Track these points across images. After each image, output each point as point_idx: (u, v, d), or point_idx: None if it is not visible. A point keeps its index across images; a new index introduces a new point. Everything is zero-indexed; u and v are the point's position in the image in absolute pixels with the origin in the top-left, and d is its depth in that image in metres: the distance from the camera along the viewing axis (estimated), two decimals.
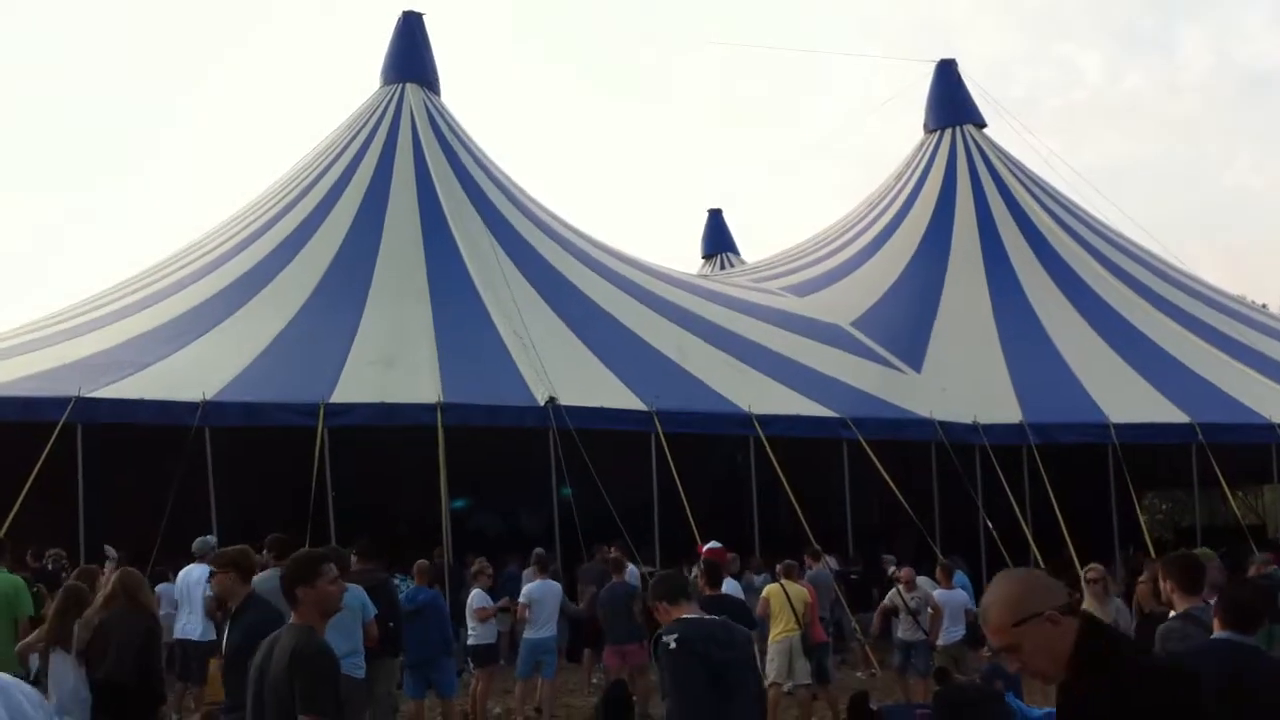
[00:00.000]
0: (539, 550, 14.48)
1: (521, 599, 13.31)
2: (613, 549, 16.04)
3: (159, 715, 7.96)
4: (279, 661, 4.97)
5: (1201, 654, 5.28)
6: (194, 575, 11.94)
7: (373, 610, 9.20)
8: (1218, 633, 5.18)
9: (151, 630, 8.23)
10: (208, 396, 16.03)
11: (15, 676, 8.97)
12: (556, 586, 13.60)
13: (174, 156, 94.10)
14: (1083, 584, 9.40)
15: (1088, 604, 9.22)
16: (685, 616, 5.66)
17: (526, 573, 14.53)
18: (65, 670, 8.36)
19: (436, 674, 11.84)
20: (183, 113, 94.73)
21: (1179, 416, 19.84)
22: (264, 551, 11.18)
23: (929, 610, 14.36)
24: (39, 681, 8.99)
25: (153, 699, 8.03)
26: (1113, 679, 3.05)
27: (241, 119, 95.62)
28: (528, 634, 13.15)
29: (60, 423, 14.98)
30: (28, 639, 9.08)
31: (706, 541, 14.36)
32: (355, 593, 8.86)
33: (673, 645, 5.48)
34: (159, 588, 14.11)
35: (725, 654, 5.50)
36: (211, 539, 13.07)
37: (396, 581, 12.96)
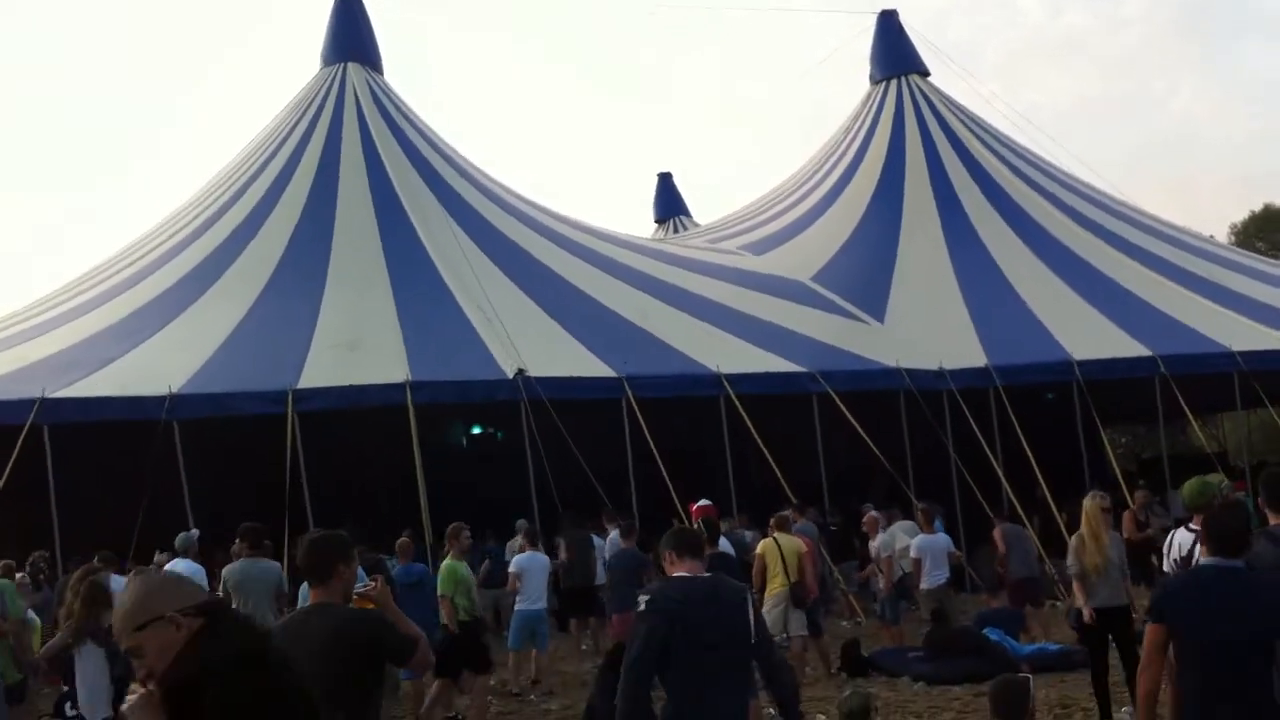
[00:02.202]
0: (523, 522, 14.46)
1: (511, 570, 13.32)
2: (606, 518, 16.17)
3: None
4: (328, 639, 4.81)
5: (1190, 579, 5.37)
6: (178, 570, 11.83)
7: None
8: (1205, 559, 5.26)
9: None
10: (174, 390, 15.88)
11: (13, 683, 8.94)
12: (545, 558, 13.60)
13: (173, 156, 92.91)
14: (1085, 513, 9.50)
15: (1094, 533, 9.34)
16: (675, 575, 5.49)
17: (511, 544, 14.50)
18: (96, 663, 8.49)
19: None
20: (181, 112, 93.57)
21: (1141, 350, 20.06)
22: (237, 540, 11.15)
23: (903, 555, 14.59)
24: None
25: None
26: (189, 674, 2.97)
27: (241, 117, 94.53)
28: (519, 606, 13.16)
29: (27, 425, 14.79)
30: (55, 639, 9.00)
31: (691, 501, 14.44)
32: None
33: (643, 606, 5.31)
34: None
35: (704, 610, 5.27)
36: (195, 533, 12.99)
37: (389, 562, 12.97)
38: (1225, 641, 4.93)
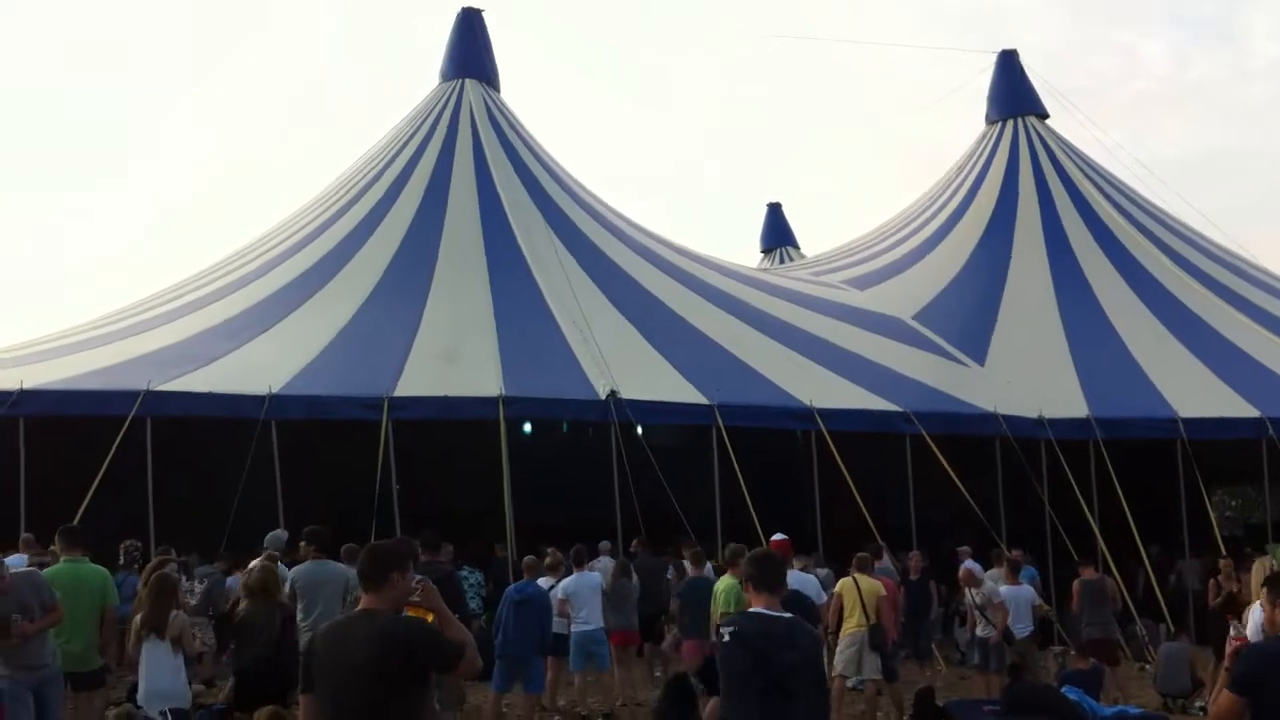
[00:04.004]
0: (579, 546, 14.47)
1: (559, 594, 13.28)
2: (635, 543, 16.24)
3: (291, 697, 8.37)
4: (371, 646, 4.88)
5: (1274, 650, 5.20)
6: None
7: None
8: None
9: (288, 620, 9.01)
10: (273, 390, 16.21)
11: (95, 669, 9.26)
12: (595, 577, 13.63)
13: (186, 143, 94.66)
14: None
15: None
16: (754, 610, 5.47)
17: (594, 565, 14.52)
18: (161, 657, 8.70)
19: (526, 669, 11.87)
20: (201, 95, 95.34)
21: (1248, 410, 19.51)
22: (303, 544, 11.31)
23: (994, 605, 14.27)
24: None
25: (288, 682, 8.43)
26: None
27: (260, 103, 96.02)
28: (574, 628, 13.17)
29: (130, 416, 15.20)
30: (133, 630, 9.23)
31: (769, 535, 14.33)
32: None
33: (726, 638, 5.30)
34: (228, 581, 14.40)
35: (785, 655, 5.24)
36: (284, 533, 13.23)
37: (464, 574, 13.09)
38: None
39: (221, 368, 17.25)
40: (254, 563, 11.71)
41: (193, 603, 14.16)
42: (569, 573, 13.72)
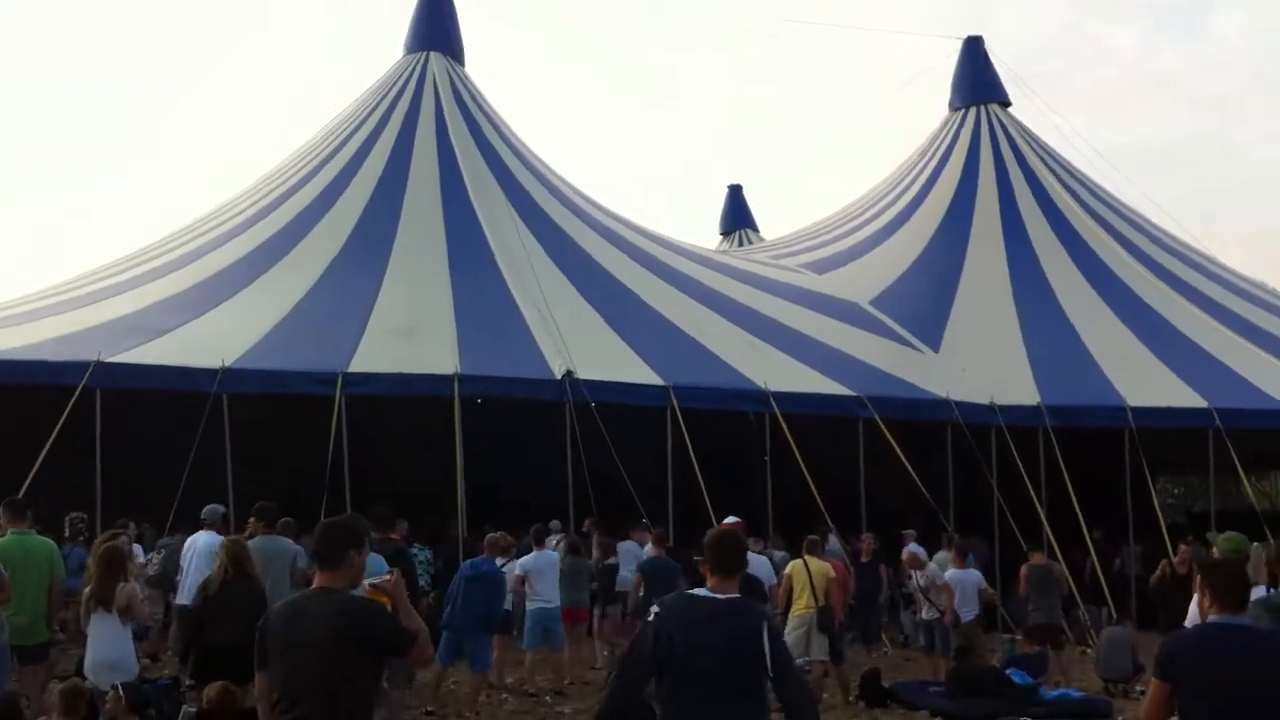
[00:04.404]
0: (537, 525, 14.55)
1: (517, 571, 13.41)
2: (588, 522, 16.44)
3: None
4: (325, 625, 4.90)
5: (1198, 637, 5.32)
6: (200, 542, 12.01)
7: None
8: (1213, 616, 5.23)
9: (260, 595, 8.94)
10: (227, 363, 16.11)
11: (41, 642, 9.25)
12: (553, 555, 13.74)
13: (185, 143, 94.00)
14: None
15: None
16: (695, 591, 5.40)
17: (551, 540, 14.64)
18: (108, 630, 8.68)
19: (472, 646, 11.91)
20: (201, 96, 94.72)
21: (1196, 401, 19.77)
22: (251, 519, 11.29)
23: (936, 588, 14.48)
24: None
25: (237, 654, 8.40)
26: None
27: (259, 103, 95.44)
28: (530, 605, 13.27)
29: (80, 386, 15.09)
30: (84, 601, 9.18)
31: (721, 517, 14.43)
32: (375, 561, 8.97)
33: (651, 616, 5.24)
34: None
35: (696, 636, 5.12)
36: (220, 507, 13.18)
37: (414, 551, 13.12)
38: (1234, 700, 4.94)
39: (174, 340, 17.13)
40: (197, 535, 11.68)
41: (151, 573, 14.13)
42: (521, 553, 13.81)
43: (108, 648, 8.80)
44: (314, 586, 5.17)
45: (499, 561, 12.92)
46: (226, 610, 8.88)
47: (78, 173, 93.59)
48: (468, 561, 12.51)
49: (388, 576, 5.26)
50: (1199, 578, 5.61)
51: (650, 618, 5.23)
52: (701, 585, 5.47)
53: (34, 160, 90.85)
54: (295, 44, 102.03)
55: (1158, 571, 15.60)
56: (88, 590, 9.03)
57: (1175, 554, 16.49)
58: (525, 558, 13.49)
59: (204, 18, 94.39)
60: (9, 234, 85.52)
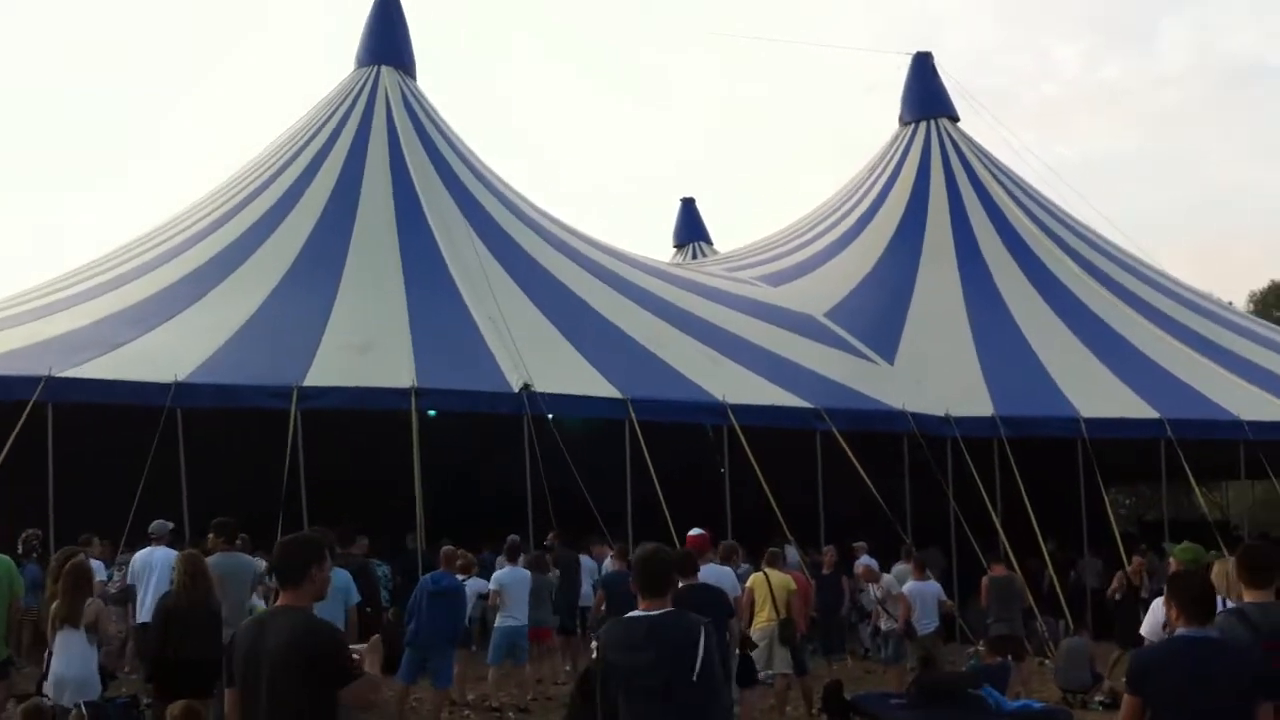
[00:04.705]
0: (512, 538, 14.49)
1: (492, 586, 13.36)
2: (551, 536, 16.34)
3: (219, 687, 8.56)
4: (280, 644, 4.90)
5: (1167, 650, 5.37)
6: (155, 557, 11.86)
7: (356, 596, 9.21)
8: (1181, 629, 5.28)
9: (217, 610, 9.14)
10: (180, 378, 15.89)
11: (5, 659, 9.15)
12: (525, 574, 13.63)
13: (185, 143, 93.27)
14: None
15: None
16: (628, 615, 5.38)
17: (499, 560, 14.54)
18: (75, 647, 8.58)
19: (436, 662, 11.81)
20: (201, 95, 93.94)
21: (1148, 412, 20.01)
22: (210, 535, 11.18)
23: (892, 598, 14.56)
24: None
25: (216, 672, 8.58)
26: None
27: (259, 103, 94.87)
28: (500, 622, 13.18)
29: (31, 402, 14.84)
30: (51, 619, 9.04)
31: (680, 529, 14.40)
32: (340, 576, 8.90)
33: (594, 653, 5.29)
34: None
35: (637, 656, 5.15)
36: (169, 523, 13.00)
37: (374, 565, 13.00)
38: (1201, 712, 5.00)
39: (127, 354, 16.89)
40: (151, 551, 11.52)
41: (113, 590, 13.91)
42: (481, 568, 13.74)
43: (74, 665, 8.67)
44: (277, 604, 5.18)
45: (459, 577, 12.85)
46: (187, 625, 8.83)
47: (78, 173, 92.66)
48: (429, 576, 12.41)
49: (364, 647, 5.20)
50: (1165, 590, 5.65)
51: (594, 653, 5.25)
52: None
53: (34, 160, 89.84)
54: (295, 44, 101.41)
55: (1114, 583, 15.73)
56: (54, 606, 8.88)
57: (1130, 564, 16.67)
58: (499, 573, 13.41)
59: (204, 18, 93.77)
60: (9, 234, 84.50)
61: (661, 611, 5.34)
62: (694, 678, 5.10)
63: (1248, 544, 6.24)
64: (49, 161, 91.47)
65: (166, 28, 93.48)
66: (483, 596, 13.79)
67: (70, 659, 8.67)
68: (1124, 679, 8.84)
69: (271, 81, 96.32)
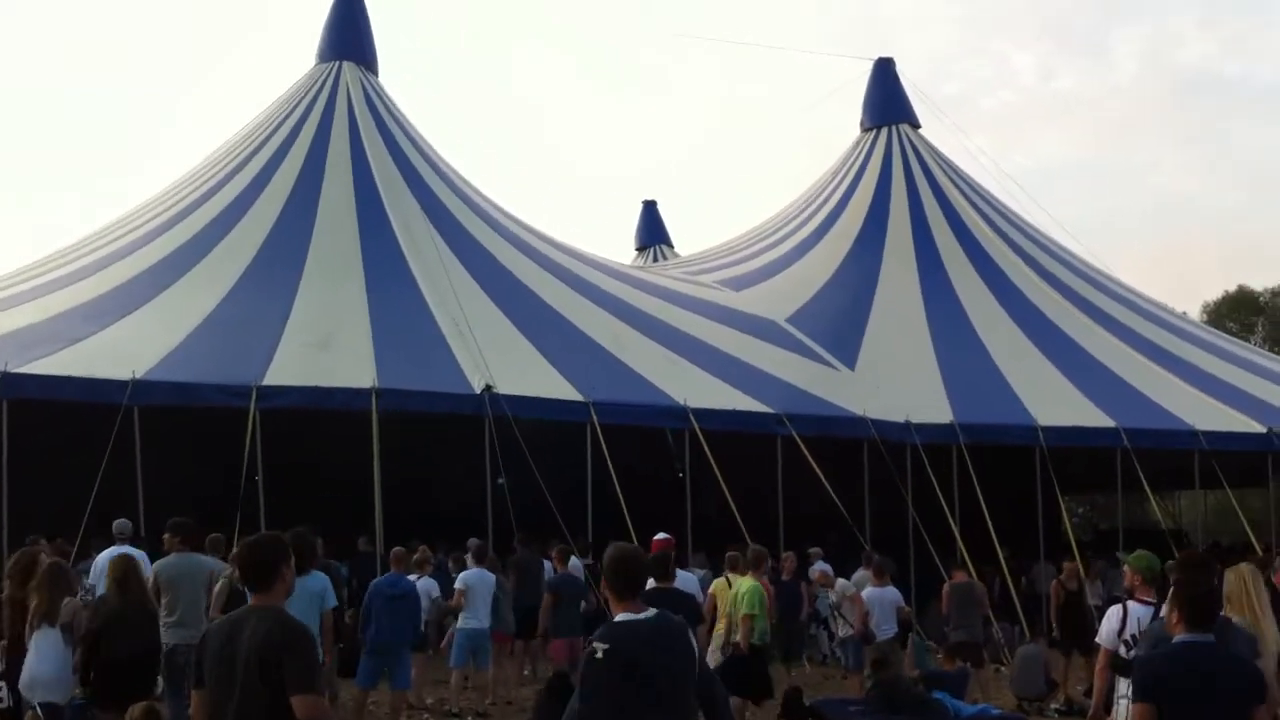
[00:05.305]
0: (475, 540, 14.43)
1: (457, 585, 13.30)
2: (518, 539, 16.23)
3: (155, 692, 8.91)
4: (254, 643, 4.87)
5: (1172, 656, 5.41)
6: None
7: (333, 600, 9.16)
8: (1181, 635, 5.33)
9: (154, 610, 9.38)
10: (137, 375, 15.72)
11: None
12: (491, 576, 13.57)
13: (185, 143, 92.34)
14: None
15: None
16: (619, 618, 5.31)
17: (468, 560, 14.46)
18: (51, 646, 8.55)
19: (395, 664, 11.74)
20: (201, 95, 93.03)
21: (1105, 421, 20.18)
22: (167, 535, 11.06)
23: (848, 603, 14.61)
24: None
25: (155, 671, 9.07)
26: None
27: (259, 103, 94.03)
28: (462, 624, 13.13)
29: None
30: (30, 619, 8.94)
31: (641, 532, 14.38)
32: (319, 579, 8.87)
33: (599, 655, 5.13)
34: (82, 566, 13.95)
35: (659, 659, 5.16)
36: (129, 522, 12.85)
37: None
38: (1210, 717, 5.10)
39: (84, 350, 16.67)
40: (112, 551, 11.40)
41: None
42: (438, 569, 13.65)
43: (47, 664, 8.62)
44: (250, 604, 5.14)
45: (412, 576, 12.81)
46: (120, 627, 8.77)
47: (78, 173, 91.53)
48: (383, 578, 12.31)
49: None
50: (1170, 595, 5.68)
51: (601, 655, 5.14)
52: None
53: (34, 160, 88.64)
54: (295, 44, 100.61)
55: (1054, 590, 15.70)
56: (34, 604, 8.79)
57: (1087, 572, 16.80)
58: (465, 573, 13.35)
59: (204, 18, 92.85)
60: (9, 234, 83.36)
61: (655, 614, 5.34)
62: (698, 675, 5.30)
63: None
64: (49, 161, 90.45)
65: (166, 28, 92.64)
66: (434, 599, 13.69)
67: (44, 658, 8.62)
68: (1080, 686, 8.86)
69: (271, 81, 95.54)
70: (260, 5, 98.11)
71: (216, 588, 10.16)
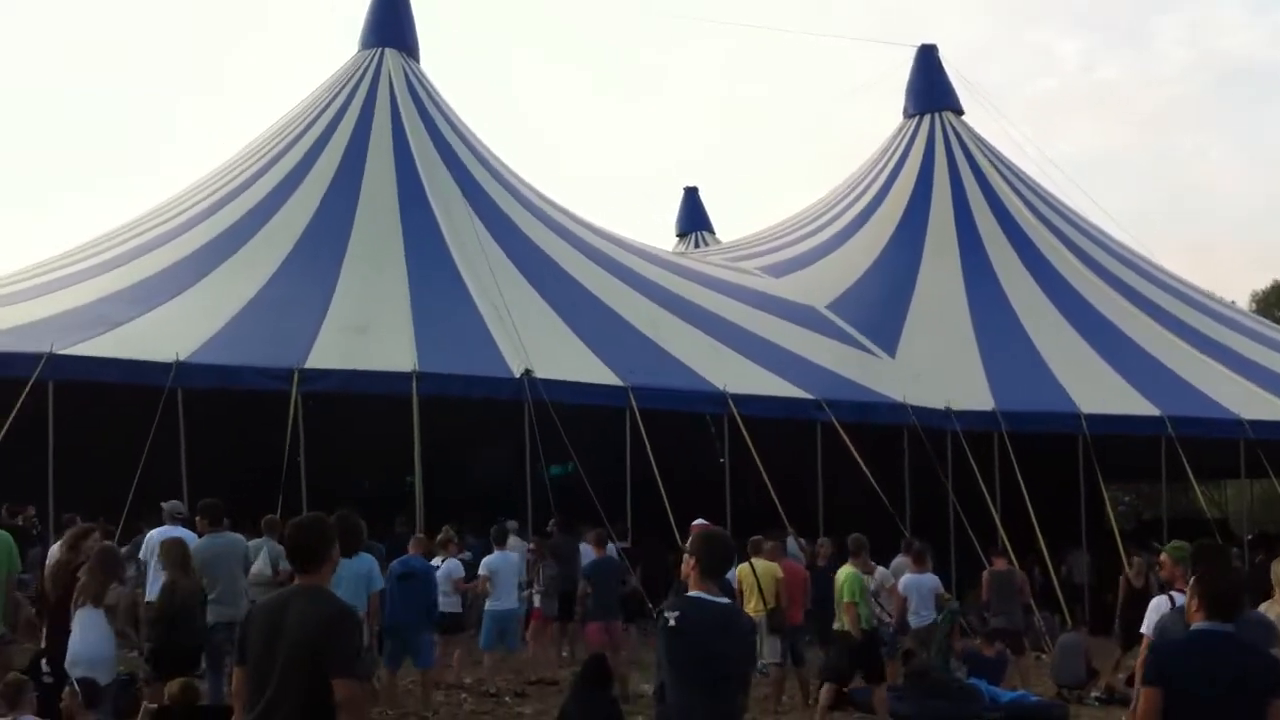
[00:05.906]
0: (503, 523, 14.49)
1: (481, 571, 13.37)
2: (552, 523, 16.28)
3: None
4: (300, 624, 4.89)
5: (1187, 644, 5.36)
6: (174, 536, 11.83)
7: (380, 582, 9.25)
8: (1199, 623, 5.28)
9: (202, 592, 9.66)
10: (181, 358, 15.87)
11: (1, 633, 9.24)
12: (515, 558, 13.68)
13: (186, 143, 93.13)
14: None
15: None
16: (694, 594, 5.34)
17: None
18: (95, 626, 8.70)
19: (413, 644, 11.81)
20: (201, 95, 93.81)
21: (1149, 409, 20.00)
22: (197, 518, 11.17)
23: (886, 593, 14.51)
24: None
25: (200, 652, 9.43)
26: None
27: (259, 103, 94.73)
28: (490, 606, 13.22)
29: (31, 379, 14.81)
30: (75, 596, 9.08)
31: (680, 518, 14.41)
32: (365, 561, 8.94)
33: (671, 623, 5.21)
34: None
35: (722, 644, 5.19)
36: (182, 505, 12.97)
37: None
38: (1222, 707, 5.02)
39: (128, 333, 16.84)
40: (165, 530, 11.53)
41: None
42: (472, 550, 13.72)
43: (89, 643, 8.73)
44: (297, 584, 5.17)
45: (436, 560, 12.92)
46: (185, 611, 8.96)
47: (78, 173, 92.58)
48: (397, 560, 12.39)
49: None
50: (1190, 584, 5.63)
51: (673, 623, 5.21)
52: (682, 584, 5.48)
53: (34, 160, 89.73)
54: (296, 44, 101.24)
55: (1122, 587, 15.49)
56: (81, 583, 8.94)
57: (1130, 564, 16.62)
58: (488, 558, 13.41)
59: (204, 18, 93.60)
60: (8, 234, 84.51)
61: (727, 602, 5.45)
62: (756, 671, 5.34)
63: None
64: (49, 161, 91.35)
65: (167, 28, 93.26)
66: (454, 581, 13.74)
67: (87, 636, 8.74)
68: (1120, 675, 8.78)
69: (272, 81, 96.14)
70: (261, 4, 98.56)
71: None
